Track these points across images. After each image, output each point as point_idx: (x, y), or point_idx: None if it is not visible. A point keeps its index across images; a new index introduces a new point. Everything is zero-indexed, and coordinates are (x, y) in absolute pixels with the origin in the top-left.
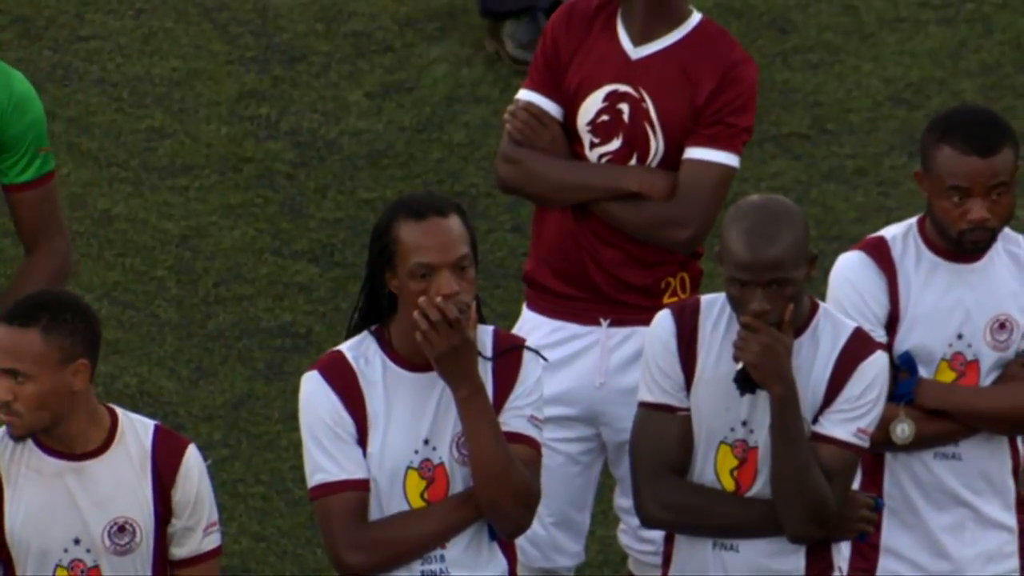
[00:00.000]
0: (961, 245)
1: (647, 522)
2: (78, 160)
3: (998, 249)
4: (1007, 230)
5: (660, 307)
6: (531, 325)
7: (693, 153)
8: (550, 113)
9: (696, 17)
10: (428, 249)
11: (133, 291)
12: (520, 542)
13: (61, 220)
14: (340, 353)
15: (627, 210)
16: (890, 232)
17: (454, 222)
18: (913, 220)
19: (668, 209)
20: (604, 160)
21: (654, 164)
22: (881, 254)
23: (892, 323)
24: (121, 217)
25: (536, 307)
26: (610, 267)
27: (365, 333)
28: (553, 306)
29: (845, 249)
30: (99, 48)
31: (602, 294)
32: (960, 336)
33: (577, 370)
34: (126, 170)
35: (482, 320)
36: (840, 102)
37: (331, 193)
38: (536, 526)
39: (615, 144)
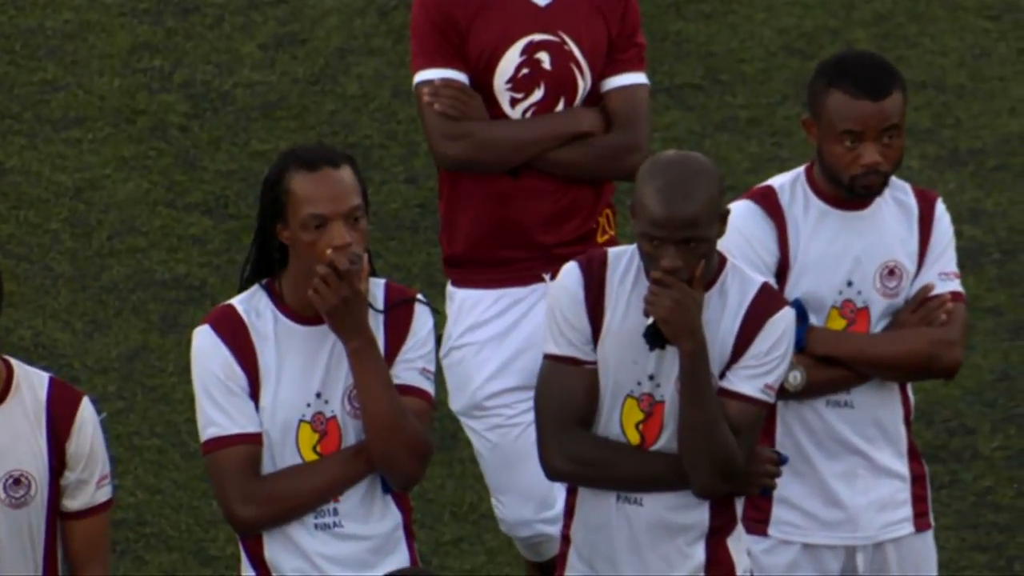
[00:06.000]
0: (853, 190)
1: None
2: None
3: (886, 197)
4: (894, 178)
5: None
6: (471, 302)
7: (620, 80)
8: (465, 83)
9: None
10: (320, 200)
11: (27, 244)
12: (507, 520)
13: None
14: (231, 307)
15: (579, 152)
16: (778, 181)
17: (346, 173)
18: (801, 169)
19: (617, 139)
20: (529, 113)
21: (579, 103)
22: (769, 202)
23: (782, 271)
24: (15, 170)
25: (469, 283)
26: (549, 221)
27: (256, 286)
28: (490, 276)
29: None
30: None
31: (541, 250)
32: (850, 283)
33: (526, 331)
34: (19, 122)
35: (374, 272)
36: (733, 52)
37: (225, 145)
38: (519, 510)
39: (538, 95)
